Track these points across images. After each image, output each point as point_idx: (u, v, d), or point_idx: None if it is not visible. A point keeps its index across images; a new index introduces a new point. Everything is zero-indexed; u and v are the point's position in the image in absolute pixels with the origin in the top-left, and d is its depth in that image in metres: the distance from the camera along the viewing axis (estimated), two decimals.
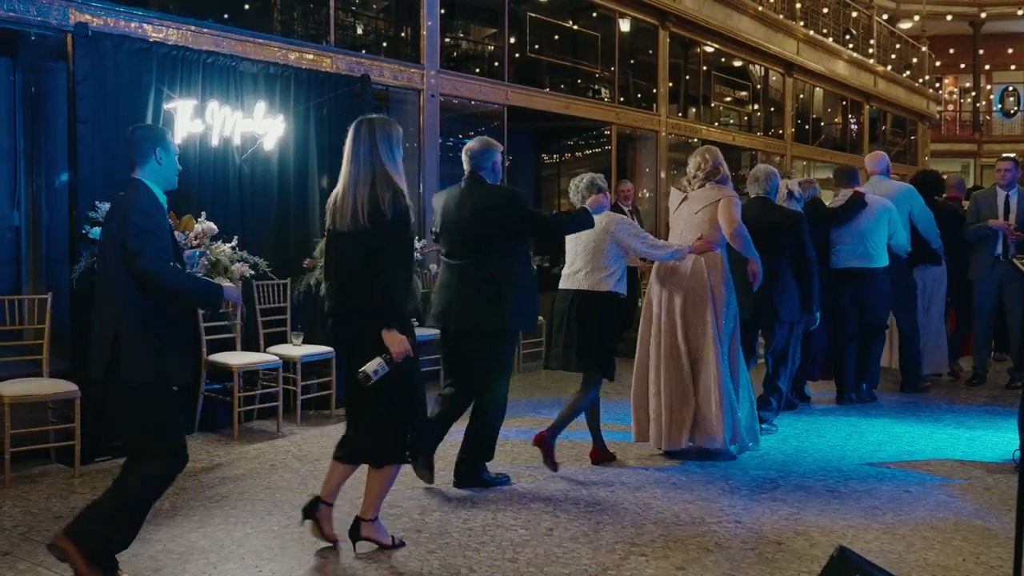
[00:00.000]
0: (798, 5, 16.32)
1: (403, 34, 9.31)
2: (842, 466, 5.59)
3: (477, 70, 10.10)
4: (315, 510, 4.11)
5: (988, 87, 29.49)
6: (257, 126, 6.45)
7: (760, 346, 7.06)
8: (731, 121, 15.55)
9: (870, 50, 19.56)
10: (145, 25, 6.19)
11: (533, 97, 10.05)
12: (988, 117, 29.02)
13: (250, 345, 6.49)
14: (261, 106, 6.44)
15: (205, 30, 6.53)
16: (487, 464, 5.19)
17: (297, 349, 6.49)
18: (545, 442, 5.42)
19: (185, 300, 3.70)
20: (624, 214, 8.93)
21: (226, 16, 7.26)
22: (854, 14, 19.43)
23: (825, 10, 17.84)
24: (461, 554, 4.05)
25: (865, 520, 4.57)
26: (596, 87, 11.84)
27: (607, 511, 4.65)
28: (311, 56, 7.30)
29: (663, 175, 12.20)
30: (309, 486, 5.01)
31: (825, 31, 17.37)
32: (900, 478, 5.34)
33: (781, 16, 15.40)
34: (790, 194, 6.92)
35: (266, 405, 6.49)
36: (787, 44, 15.58)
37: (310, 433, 6.30)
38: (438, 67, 8.58)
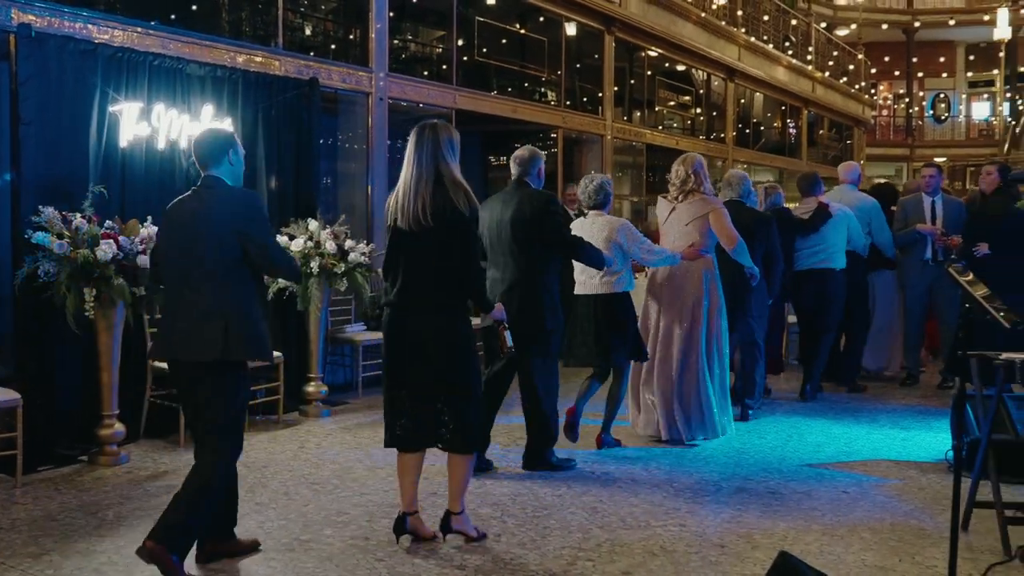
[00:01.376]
0: (740, 12, 16.50)
1: (351, 37, 9.21)
2: (782, 467, 5.63)
3: (425, 73, 10.04)
4: (404, 525, 4.25)
5: (921, 94, 30.14)
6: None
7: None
8: (674, 125, 15.66)
9: (809, 57, 19.85)
10: (90, 26, 6.03)
11: (481, 101, 10.02)
12: (920, 123, 29.66)
13: None
14: (208, 109, 6.32)
15: (151, 32, 6.39)
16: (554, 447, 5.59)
17: None
18: (602, 441, 6.01)
19: (294, 275, 4.29)
20: (571, 218, 9.00)
21: (172, 17, 7.10)
22: (794, 21, 19.71)
23: (766, 17, 18.06)
24: (409, 562, 4.01)
25: (805, 522, 4.61)
26: (543, 91, 11.85)
27: (554, 516, 4.63)
28: (259, 58, 7.18)
29: (608, 178, 12.24)
30: (256, 493, 4.93)
31: (766, 38, 17.59)
32: (838, 479, 5.40)
33: (723, 23, 15.56)
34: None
35: None
36: (729, 50, 15.75)
37: (257, 439, 6.18)
38: (387, 70, 8.50)
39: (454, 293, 4.11)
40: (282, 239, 6.40)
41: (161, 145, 6.12)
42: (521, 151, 5.52)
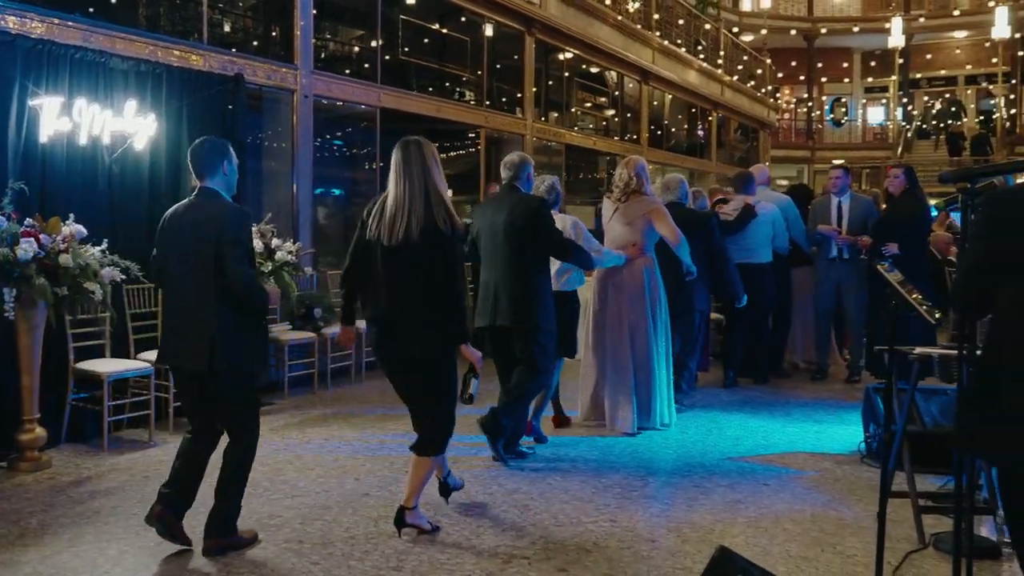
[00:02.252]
0: (656, 16, 16.68)
1: (275, 33, 9.01)
2: (705, 461, 5.70)
3: (347, 71, 9.87)
4: (404, 519, 4.30)
5: (824, 98, 30.97)
6: (128, 125, 6.11)
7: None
8: (590, 126, 15.75)
9: (719, 61, 20.17)
10: (8, 17, 5.73)
11: (405, 99, 9.91)
12: (820, 126, 30.43)
13: (120, 352, 6.15)
14: (132, 104, 6.11)
15: (71, 24, 6.11)
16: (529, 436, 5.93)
17: None
18: (532, 427, 6.06)
19: (252, 304, 4.06)
20: None
21: (91, 10, 6.81)
22: (707, 26, 20.01)
23: (681, 21, 18.30)
24: (345, 564, 3.93)
25: (730, 514, 4.67)
26: (465, 90, 11.79)
27: (487, 515, 4.60)
28: (184, 54, 6.94)
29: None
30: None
31: (679, 42, 17.82)
32: (759, 472, 5.49)
33: (639, 26, 15.69)
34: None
35: (137, 414, 6.12)
36: (644, 53, 15.90)
37: None
38: (311, 67, 8.34)
39: (439, 307, 4.10)
40: None
41: (83, 141, 5.89)
42: (511, 157, 5.68)
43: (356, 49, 10.31)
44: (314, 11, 8.45)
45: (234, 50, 8.02)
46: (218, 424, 4.17)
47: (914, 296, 4.11)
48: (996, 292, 2.25)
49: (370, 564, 3.94)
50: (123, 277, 5.67)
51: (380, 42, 9.74)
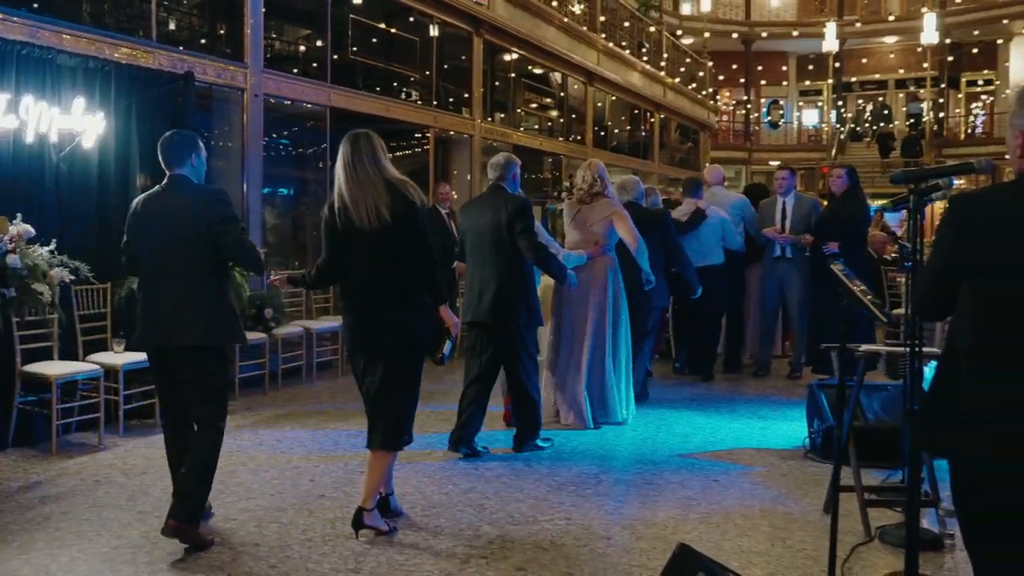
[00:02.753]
0: (602, 18, 16.76)
1: (224, 31, 8.85)
2: (655, 458, 5.72)
3: (295, 70, 9.74)
4: (362, 521, 4.25)
5: (763, 100, 31.42)
6: (76, 123, 5.95)
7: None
8: (535, 126, 15.77)
9: (662, 63, 20.33)
10: None
11: (355, 99, 9.81)
12: (758, 128, 30.87)
13: (68, 354, 5.99)
14: (80, 102, 5.95)
15: (16, 19, 5.92)
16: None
17: (119, 357, 6.04)
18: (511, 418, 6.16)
19: (255, 264, 4.29)
20: (442, 216, 8.99)
21: (35, 5, 6.61)
22: (652, 28, 20.16)
23: (627, 24, 18.41)
24: (303, 567, 3.87)
25: (682, 511, 4.69)
26: (414, 90, 11.72)
27: (443, 515, 4.57)
28: (132, 51, 6.78)
29: (477, 177, 12.24)
30: (138, 502, 4.68)
31: (624, 44, 17.92)
32: (708, 468, 5.53)
33: (584, 28, 15.74)
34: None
35: (86, 417, 5.97)
36: (589, 54, 15.94)
37: (134, 444, 5.89)
38: (261, 66, 8.21)
39: (415, 287, 4.18)
40: None
41: (30, 139, 5.73)
42: (497, 157, 5.80)
43: (305, 48, 10.21)
44: (264, 9, 8.32)
45: (181, 48, 7.87)
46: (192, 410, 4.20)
47: (868, 296, 4.18)
48: (959, 295, 2.27)
49: (328, 566, 3.88)
50: (72, 278, 5.53)
51: (330, 41, 9.63)
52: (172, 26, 8.57)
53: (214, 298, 4.14)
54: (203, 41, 8.85)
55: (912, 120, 28.39)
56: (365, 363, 4.28)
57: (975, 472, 2.23)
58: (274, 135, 9.63)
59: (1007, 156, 2.37)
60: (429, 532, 4.32)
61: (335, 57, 9.73)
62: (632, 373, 6.87)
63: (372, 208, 4.07)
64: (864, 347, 4.64)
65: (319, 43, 9.85)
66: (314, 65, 9.72)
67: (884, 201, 9.11)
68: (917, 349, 3.25)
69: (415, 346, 4.25)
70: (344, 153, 4.17)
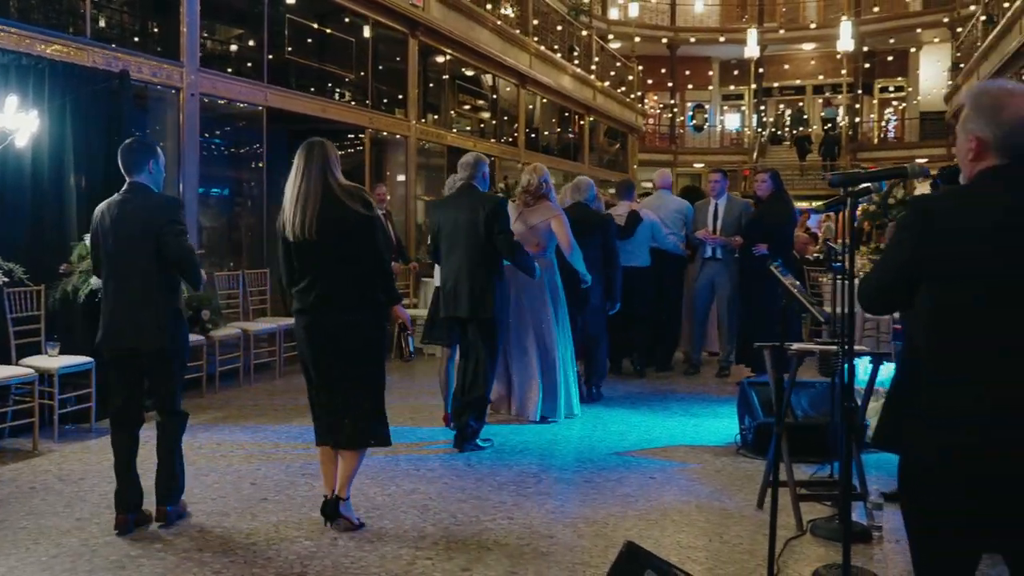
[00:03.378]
0: (535, 22, 16.81)
1: (159, 30, 8.62)
2: (593, 456, 5.76)
3: (229, 70, 9.56)
4: (336, 507, 4.33)
5: (689, 104, 31.89)
6: (9, 121, 5.73)
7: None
8: (468, 128, 15.74)
9: (592, 67, 20.48)
10: None
11: (292, 99, 9.67)
12: (682, 131, 31.33)
13: (1, 357, 5.79)
14: (13, 100, 5.73)
15: None
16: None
17: (54, 360, 5.87)
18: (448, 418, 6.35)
19: (194, 275, 4.37)
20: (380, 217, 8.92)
21: None
22: (584, 32, 20.30)
23: (560, 27, 18.50)
24: (248, 572, 3.81)
25: (621, 508, 4.73)
26: (350, 91, 11.60)
27: (387, 516, 4.54)
28: (66, 48, 6.58)
29: (412, 178, 12.18)
30: (76, 509, 4.55)
31: (555, 47, 18.00)
32: (644, 465, 5.58)
33: (517, 31, 15.78)
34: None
35: (20, 422, 5.78)
36: (521, 57, 15.98)
37: (70, 449, 5.72)
38: (198, 65, 8.04)
39: (366, 291, 4.25)
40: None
41: None
42: (467, 157, 6.04)
43: (241, 48, 10.01)
44: (200, 8, 8.15)
45: (114, 45, 7.66)
46: (146, 404, 4.43)
47: (806, 296, 4.28)
48: (918, 297, 2.29)
49: (273, 571, 3.83)
50: (6, 280, 5.35)
51: (266, 41, 9.47)
52: (105, 23, 8.32)
53: (169, 304, 4.29)
54: (136, 39, 8.60)
55: (829, 125, 29.13)
56: (322, 367, 4.31)
57: (922, 471, 2.28)
58: (212, 135, 9.43)
59: (919, 160, 2.42)
60: (373, 534, 4.28)
61: (271, 57, 9.57)
62: (593, 371, 7.42)
63: (322, 217, 4.11)
64: (797, 345, 4.73)
65: (254, 43, 9.68)
66: (249, 65, 9.56)
67: (818, 203, 9.35)
68: (848, 347, 3.35)
69: (373, 347, 4.33)
70: (298, 162, 4.21)
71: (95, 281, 5.81)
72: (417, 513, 4.60)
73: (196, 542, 4.13)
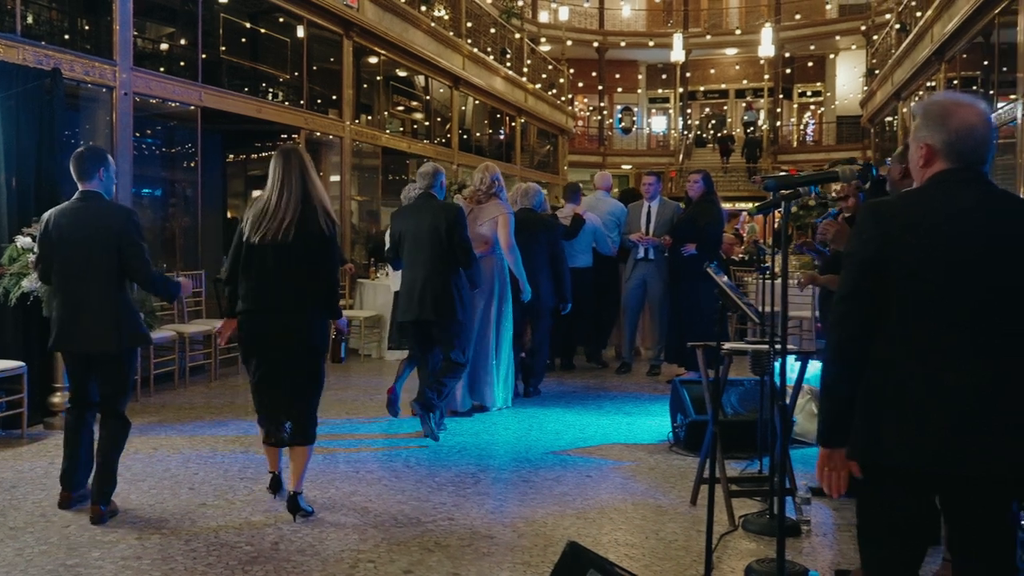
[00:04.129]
0: (469, 24, 16.76)
1: (91, 28, 8.37)
2: (530, 456, 5.77)
3: (162, 69, 9.32)
4: (296, 503, 4.48)
5: (616, 106, 32.19)
6: None
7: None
8: (401, 129, 15.64)
9: (524, 69, 20.51)
10: None
11: (227, 99, 9.47)
12: (611, 133, 31.62)
13: None
14: None
15: None
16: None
17: None
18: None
19: (155, 290, 4.65)
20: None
21: None
22: (516, 35, 20.32)
23: (493, 30, 18.48)
24: None
25: (559, 507, 4.73)
26: (285, 91, 11.42)
27: (328, 519, 4.48)
28: None
29: (347, 179, 12.06)
30: (8, 517, 4.40)
31: (488, 50, 17.99)
32: (581, 464, 5.60)
33: (451, 33, 15.72)
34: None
35: None
36: (455, 59, 15.91)
37: (1, 456, 5.53)
38: (131, 64, 7.81)
39: (315, 298, 4.39)
40: (25, 240, 5.74)
41: None
42: (425, 167, 6.32)
43: (175, 46, 9.77)
44: (132, 6, 7.91)
45: (44, 43, 7.42)
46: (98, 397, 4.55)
47: (741, 297, 4.35)
48: (885, 300, 2.35)
49: None
50: None
51: (200, 40, 9.25)
52: (32, 20, 8.03)
53: (125, 305, 4.45)
54: (68, 37, 8.32)
55: (751, 128, 29.73)
56: (269, 365, 4.44)
57: (900, 477, 2.35)
58: (146, 134, 9.20)
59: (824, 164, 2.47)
60: (314, 538, 4.23)
61: (205, 56, 9.35)
62: (532, 367, 7.63)
63: (290, 223, 4.26)
64: (729, 345, 4.80)
65: (188, 42, 9.45)
66: (182, 64, 9.34)
67: (749, 205, 9.57)
68: (781, 347, 3.43)
69: (319, 349, 4.49)
70: (277, 168, 4.34)
71: (27, 284, 5.63)
72: (358, 515, 4.56)
73: (135, 549, 4.03)
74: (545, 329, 7.87)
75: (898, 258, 2.32)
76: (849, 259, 2.44)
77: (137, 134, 8.21)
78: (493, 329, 6.86)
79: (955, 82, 14.96)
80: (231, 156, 11.53)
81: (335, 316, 4.54)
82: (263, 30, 11.25)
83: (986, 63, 13.37)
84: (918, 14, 16.99)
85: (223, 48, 10.06)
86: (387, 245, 6.82)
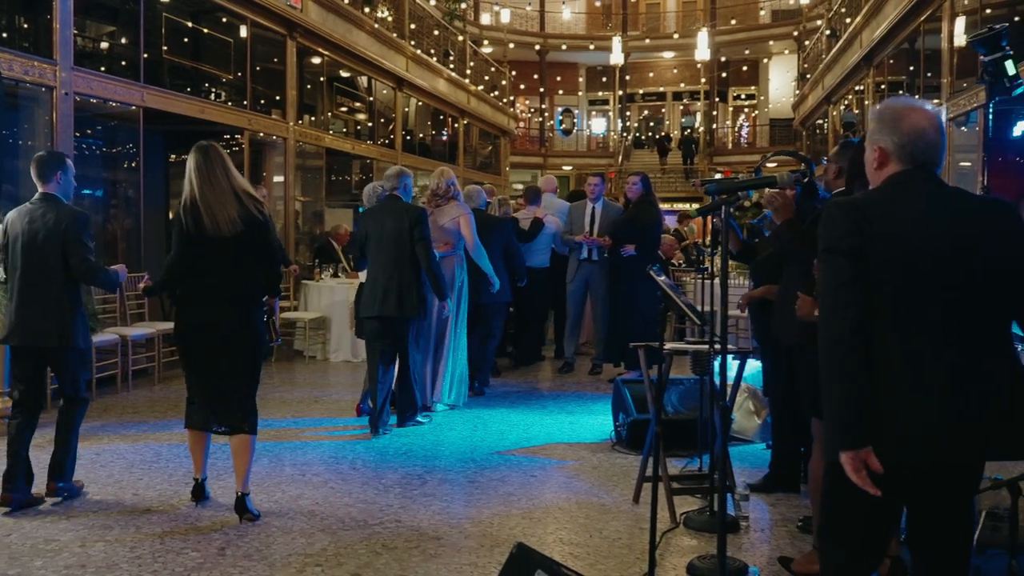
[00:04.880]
0: (412, 26, 16.68)
1: (32, 26, 8.12)
2: (475, 456, 5.76)
3: (103, 68, 9.09)
4: (203, 491, 4.69)
5: (556, 108, 32.30)
6: None
7: None
8: (343, 130, 15.51)
9: (467, 71, 20.48)
10: None
11: (170, 100, 9.29)
12: (551, 134, 31.73)
13: None
14: None
15: None
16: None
17: None
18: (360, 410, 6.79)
19: (104, 287, 5.11)
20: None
21: None
22: (460, 37, 20.26)
23: (436, 32, 18.41)
24: None
25: (505, 507, 4.74)
26: (229, 92, 11.23)
27: (274, 523, 4.42)
28: None
29: (291, 180, 11.93)
30: None
31: (432, 51, 17.92)
32: (525, 464, 5.60)
33: (394, 35, 15.62)
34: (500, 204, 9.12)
35: None
36: (398, 61, 15.83)
37: None
38: (72, 64, 7.62)
39: (251, 287, 4.50)
40: None
41: None
42: (391, 170, 6.52)
43: (117, 46, 9.53)
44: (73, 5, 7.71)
45: None
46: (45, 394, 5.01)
47: (683, 300, 4.40)
48: (874, 307, 2.33)
49: None
50: None
51: (142, 39, 9.04)
52: None
53: (73, 304, 4.62)
54: (6, 35, 8.07)
55: (688, 131, 30.12)
56: (207, 356, 4.50)
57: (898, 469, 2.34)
58: (87, 134, 8.97)
59: (768, 165, 2.50)
60: (261, 542, 4.17)
61: (147, 56, 9.15)
62: (479, 364, 7.73)
63: (228, 216, 4.34)
64: (670, 345, 4.86)
65: (130, 41, 9.21)
66: (124, 64, 9.12)
67: (687, 206, 9.74)
68: (722, 347, 3.48)
69: (259, 340, 4.57)
70: (196, 162, 4.41)
71: None
72: (305, 519, 4.50)
73: (78, 557, 3.94)
74: (498, 325, 8.07)
75: (868, 256, 2.33)
76: (830, 252, 2.38)
77: (78, 134, 8.01)
78: (452, 326, 7.00)
79: (883, 86, 15.34)
80: (174, 156, 11.28)
81: (273, 293, 4.68)
82: (206, 30, 11.05)
83: (912, 68, 13.75)
84: (848, 20, 17.38)
85: (165, 48, 9.85)
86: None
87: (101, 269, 4.75)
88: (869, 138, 2.51)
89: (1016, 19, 10.23)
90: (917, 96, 12.81)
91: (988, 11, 10.51)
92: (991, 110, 4.84)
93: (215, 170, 4.40)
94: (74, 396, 4.73)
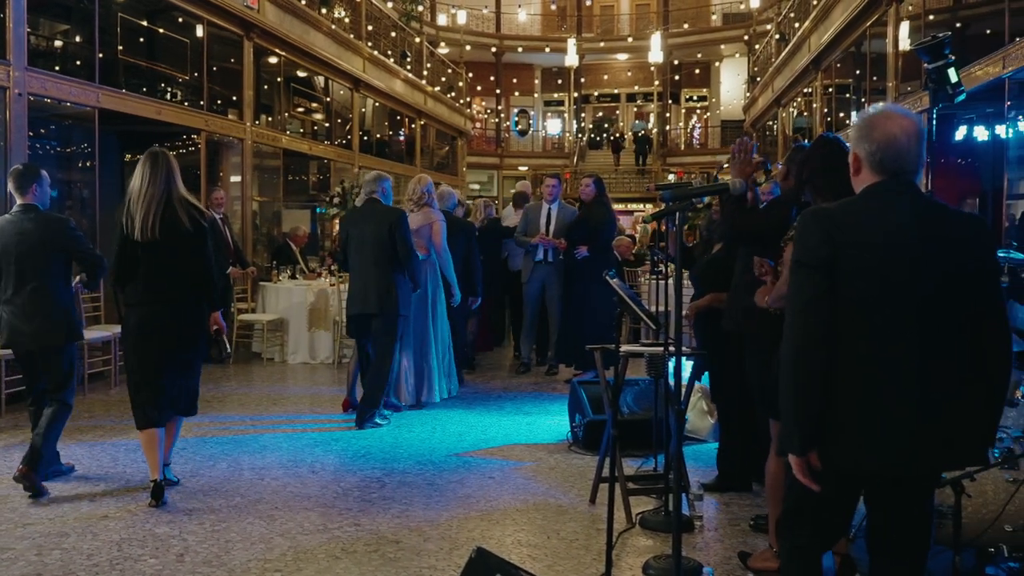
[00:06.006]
0: (370, 27, 16.56)
1: None
2: (434, 458, 5.73)
3: (57, 68, 8.89)
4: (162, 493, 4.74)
5: (512, 109, 32.30)
6: None
7: None
8: (302, 131, 15.35)
9: (424, 72, 20.39)
10: None
11: (126, 101, 9.11)
12: (507, 135, 31.72)
13: None
14: None
15: None
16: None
17: None
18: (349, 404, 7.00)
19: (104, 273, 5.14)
20: (217, 222, 8.63)
21: None
22: (417, 39, 20.17)
23: (393, 34, 18.30)
24: None
25: (464, 509, 4.73)
26: (185, 92, 11.05)
27: (233, 529, 4.37)
28: None
29: (249, 180, 11.79)
30: None
31: (389, 52, 17.81)
32: (483, 466, 5.59)
33: (351, 36, 15.51)
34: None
35: None
36: (355, 62, 15.72)
37: None
38: (26, 64, 7.44)
39: (192, 290, 4.70)
40: None
41: None
42: (370, 175, 6.78)
43: (72, 45, 9.32)
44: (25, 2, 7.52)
45: None
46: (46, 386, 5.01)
47: (640, 304, 4.43)
48: (847, 317, 2.38)
49: None
50: None
51: (97, 39, 8.85)
52: None
53: (64, 306, 4.93)
54: None
55: (641, 133, 30.32)
56: (155, 351, 4.69)
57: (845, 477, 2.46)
58: (41, 135, 8.76)
59: (725, 164, 2.57)
60: (220, 548, 4.12)
61: (102, 56, 8.96)
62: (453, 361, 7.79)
63: (155, 222, 4.53)
64: (625, 347, 4.87)
65: (85, 41, 9.02)
66: (79, 64, 8.93)
67: (641, 206, 9.85)
68: (676, 350, 3.51)
69: (201, 335, 4.84)
70: (144, 169, 4.59)
71: None
72: (264, 523, 4.46)
73: (34, 566, 3.86)
74: (462, 328, 8.25)
75: (841, 266, 2.37)
76: (801, 265, 2.43)
77: (32, 134, 7.83)
78: (430, 327, 7.20)
79: (831, 89, 15.60)
80: (129, 156, 11.08)
81: (213, 308, 4.88)
82: (162, 30, 10.84)
83: (859, 72, 13.99)
84: (797, 25, 17.62)
85: (121, 47, 9.64)
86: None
87: (103, 262, 5.07)
88: (851, 144, 2.57)
89: (958, 25, 10.43)
90: (863, 100, 13.05)
91: (931, 17, 10.72)
92: (935, 115, 4.95)
93: (157, 176, 4.57)
94: (63, 399, 4.98)
